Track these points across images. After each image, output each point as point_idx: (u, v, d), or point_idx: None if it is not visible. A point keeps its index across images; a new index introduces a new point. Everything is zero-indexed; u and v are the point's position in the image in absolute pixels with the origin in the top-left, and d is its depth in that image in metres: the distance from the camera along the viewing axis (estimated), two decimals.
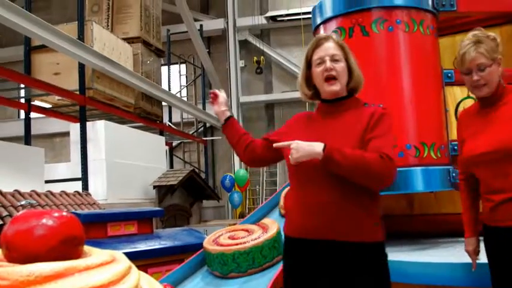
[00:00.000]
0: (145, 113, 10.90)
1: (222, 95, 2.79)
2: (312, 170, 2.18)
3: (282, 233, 3.29)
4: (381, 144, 2.15)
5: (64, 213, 1.25)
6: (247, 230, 3.63)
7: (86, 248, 1.33)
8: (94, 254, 1.29)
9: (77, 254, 1.22)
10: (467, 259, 2.66)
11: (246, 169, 15.23)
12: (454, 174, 3.57)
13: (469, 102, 3.89)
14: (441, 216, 4.21)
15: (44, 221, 1.18)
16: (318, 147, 2.09)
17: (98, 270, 1.18)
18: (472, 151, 2.48)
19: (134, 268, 1.33)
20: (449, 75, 3.77)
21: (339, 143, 2.17)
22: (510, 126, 2.35)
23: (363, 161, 2.07)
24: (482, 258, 2.57)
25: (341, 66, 2.30)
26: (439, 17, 3.79)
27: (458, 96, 3.86)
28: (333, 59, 2.29)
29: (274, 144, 2.31)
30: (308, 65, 2.42)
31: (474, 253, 2.62)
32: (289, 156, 2.15)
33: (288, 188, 4.68)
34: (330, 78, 2.29)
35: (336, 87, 2.29)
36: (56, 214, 1.23)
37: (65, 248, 1.18)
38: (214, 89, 2.83)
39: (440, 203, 4.23)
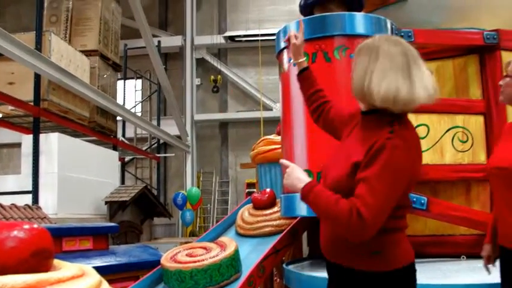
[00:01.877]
0: (99, 127, 10.76)
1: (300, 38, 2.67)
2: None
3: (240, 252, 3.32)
4: (364, 193, 1.86)
5: (35, 226, 1.25)
6: (205, 248, 3.65)
7: (55, 261, 1.33)
8: (64, 268, 1.29)
9: (46, 267, 1.22)
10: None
11: (198, 187, 15.19)
12: None
13: (423, 130, 4.04)
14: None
15: (15, 233, 1.18)
16: (300, 183, 1.98)
17: (69, 283, 1.18)
18: (490, 163, 2.58)
19: (105, 282, 1.34)
20: None
21: (334, 171, 2.05)
22: None
23: (333, 210, 1.87)
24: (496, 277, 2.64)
25: None
26: None
27: (412, 123, 3.99)
28: None
29: (280, 161, 2.22)
30: None
31: (486, 258, 2.67)
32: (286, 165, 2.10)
33: (246, 207, 4.72)
34: None
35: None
36: (27, 226, 1.23)
37: (36, 260, 1.18)
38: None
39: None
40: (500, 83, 2.59)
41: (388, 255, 1.99)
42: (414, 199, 3.77)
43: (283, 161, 2.16)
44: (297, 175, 2.02)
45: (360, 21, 3.66)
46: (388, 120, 1.97)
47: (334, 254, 2.09)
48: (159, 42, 15.10)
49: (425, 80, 1.98)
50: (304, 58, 2.64)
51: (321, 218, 2.05)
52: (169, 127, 14.54)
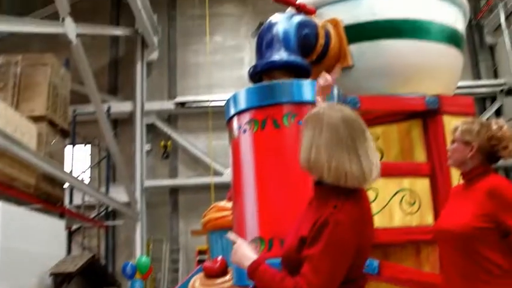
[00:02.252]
0: (45, 195, 10.46)
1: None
2: None
3: None
4: (306, 271, 1.88)
5: None
6: None
7: None
8: None
9: None
10: None
11: (148, 255, 14.82)
12: None
13: (371, 194, 4.10)
14: None
15: None
16: (247, 261, 2.00)
17: None
18: (436, 225, 2.62)
19: None
20: None
21: (290, 236, 2.07)
22: (466, 212, 2.50)
23: (269, 283, 1.92)
24: None
25: None
26: None
27: None
28: None
29: (228, 235, 2.22)
30: None
31: None
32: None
33: (197, 276, 4.62)
34: None
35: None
36: None
37: None
38: None
39: None
40: (448, 148, 2.68)
41: None
42: (366, 263, 3.77)
43: (231, 236, 2.17)
44: (243, 252, 2.04)
45: (307, 88, 3.75)
46: (336, 193, 1.98)
47: None
48: (108, 107, 15.04)
49: (371, 155, 2.02)
50: None
51: None
52: (119, 194, 14.28)
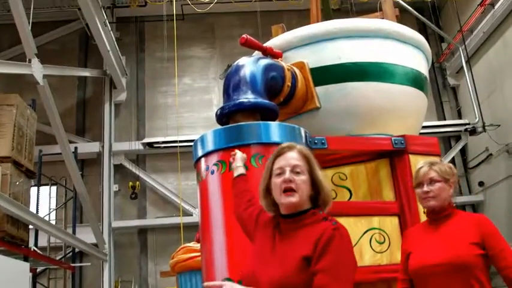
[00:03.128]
0: (9, 237, 10.17)
1: (240, 153, 2.89)
2: None
3: None
4: (325, 283, 1.89)
5: None
6: None
7: None
8: None
9: None
10: None
11: None
12: None
13: None
14: None
15: None
16: None
17: None
18: (421, 262, 2.67)
19: None
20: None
21: (278, 269, 2.00)
22: (461, 242, 2.60)
23: None
24: None
25: (302, 179, 2.11)
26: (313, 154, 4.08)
27: None
28: (294, 171, 2.11)
29: (204, 284, 2.09)
30: (270, 175, 2.20)
31: None
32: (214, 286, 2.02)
33: None
34: (287, 190, 2.09)
35: (293, 198, 2.09)
36: None
37: None
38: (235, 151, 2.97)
39: None
40: (429, 188, 2.74)
41: None
42: None
43: (210, 284, 2.06)
44: None
45: (275, 129, 3.80)
46: (321, 216, 2.11)
47: None
48: (75, 148, 14.84)
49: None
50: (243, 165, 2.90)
51: None
52: (86, 235, 13.99)
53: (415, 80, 5.11)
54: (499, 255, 2.58)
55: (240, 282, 2.09)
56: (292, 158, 2.17)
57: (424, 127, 14.20)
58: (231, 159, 2.99)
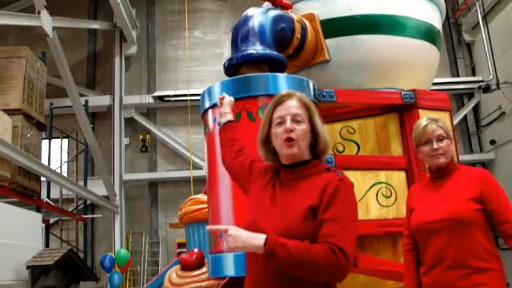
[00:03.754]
0: (21, 188, 10.33)
1: (228, 97, 2.73)
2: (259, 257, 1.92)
3: None
4: (333, 231, 1.87)
5: None
6: None
7: None
8: None
9: None
10: None
11: (127, 248, 14.75)
12: None
13: None
14: None
15: None
16: (258, 240, 1.83)
17: None
18: (422, 219, 2.68)
19: None
20: (329, 160, 3.99)
21: (281, 219, 1.98)
22: (459, 198, 2.60)
23: (309, 257, 1.81)
24: None
25: (302, 128, 2.08)
26: (319, 107, 4.04)
27: None
28: (295, 119, 2.08)
29: (208, 227, 2.01)
30: (269, 124, 2.17)
31: None
32: (224, 242, 1.93)
33: (173, 268, 4.62)
34: (288, 140, 2.06)
35: (294, 149, 2.06)
36: None
37: None
38: (223, 94, 2.81)
39: None
40: (438, 145, 2.71)
41: None
42: None
43: (213, 227, 2.02)
44: (246, 235, 1.88)
45: (282, 81, 3.77)
46: (324, 167, 2.11)
47: None
48: (86, 101, 14.87)
49: None
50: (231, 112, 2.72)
51: (290, 269, 1.87)
52: (97, 187, 14.17)
53: (427, 34, 5.01)
54: (497, 211, 2.56)
55: None
56: (292, 106, 2.12)
57: (437, 83, 14.14)
58: (218, 103, 2.83)
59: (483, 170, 2.78)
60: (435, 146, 2.70)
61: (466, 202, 2.57)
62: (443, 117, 4.11)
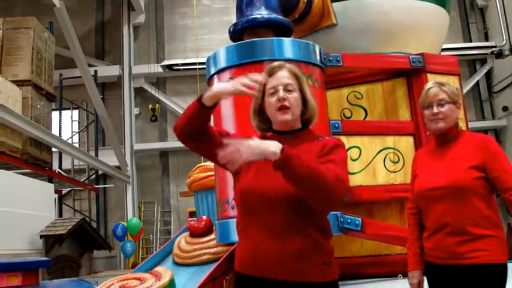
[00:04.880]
0: (33, 159, 10.41)
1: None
2: (257, 202, 2.04)
3: (176, 281, 3.26)
4: (334, 168, 1.98)
5: None
6: (139, 279, 3.55)
7: None
8: None
9: None
10: None
11: (139, 218, 14.91)
12: (341, 219, 3.72)
13: (355, 152, 4.12)
14: None
15: None
16: (275, 147, 1.87)
17: None
18: (423, 185, 2.66)
19: None
20: (336, 125, 3.97)
21: (284, 182, 1.99)
22: (460, 165, 2.56)
23: (320, 173, 1.89)
24: None
25: (294, 96, 2.18)
26: (326, 71, 4.00)
27: (345, 145, 4.07)
28: (286, 89, 2.17)
29: (225, 141, 1.92)
30: (262, 95, 2.24)
31: (419, 286, 2.71)
32: (237, 153, 1.87)
33: (182, 235, 4.66)
34: (282, 108, 2.16)
35: (288, 116, 2.16)
36: None
37: None
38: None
39: None
40: (438, 110, 2.66)
41: (333, 265, 2.10)
42: (349, 220, 3.81)
43: (228, 140, 1.94)
44: (263, 142, 1.89)
45: (288, 46, 3.72)
46: (316, 135, 2.24)
47: (286, 269, 2.03)
48: (95, 71, 14.88)
49: None
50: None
51: (300, 182, 1.90)
52: (108, 157, 14.26)
53: None
54: (500, 178, 2.51)
55: None
56: (283, 77, 2.20)
57: (449, 49, 13.97)
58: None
59: (485, 137, 2.70)
60: (435, 110, 2.65)
61: (467, 170, 2.52)
62: (452, 81, 4.05)
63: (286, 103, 2.15)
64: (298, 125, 2.24)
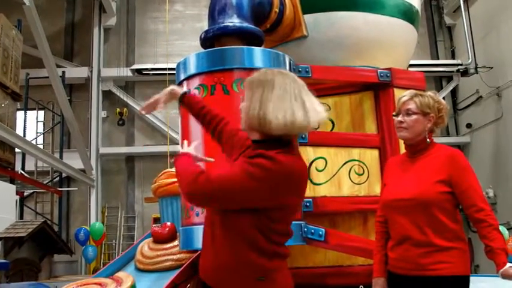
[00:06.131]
0: None
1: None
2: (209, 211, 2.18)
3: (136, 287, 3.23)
4: (226, 167, 2.12)
5: None
6: (100, 284, 3.50)
7: None
8: None
9: None
10: None
11: (103, 222, 14.71)
12: (305, 229, 3.73)
13: (321, 163, 4.15)
14: (293, 270, 4.37)
15: None
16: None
17: None
18: (390, 196, 2.68)
19: None
20: (303, 136, 4.00)
21: None
22: (427, 179, 2.58)
23: (184, 165, 2.09)
24: None
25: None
26: None
27: (310, 156, 4.10)
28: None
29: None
30: None
31: None
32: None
33: (146, 241, 4.61)
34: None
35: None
36: None
37: None
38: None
39: (291, 258, 4.39)
40: (403, 119, 2.70)
41: (270, 282, 2.04)
42: (312, 231, 3.83)
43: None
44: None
45: (258, 55, 3.74)
46: (274, 147, 2.07)
47: (218, 279, 2.08)
48: (63, 72, 14.67)
49: (315, 104, 2.10)
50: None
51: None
52: (73, 160, 14.05)
53: (405, 13, 5.00)
54: (464, 194, 2.55)
55: None
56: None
57: (416, 65, 14.20)
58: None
59: (454, 151, 2.70)
60: (400, 118, 2.71)
61: (433, 184, 2.55)
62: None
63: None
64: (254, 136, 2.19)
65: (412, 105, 2.69)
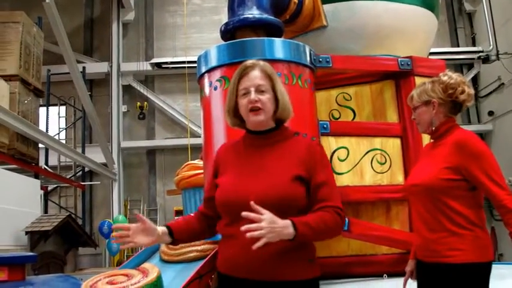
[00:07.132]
0: (19, 155, 10.35)
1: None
2: (242, 208, 1.96)
3: (163, 277, 3.27)
4: (330, 193, 2.13)
5: None
6: (126, 275, 3.55)
7: None
8: None
9: None
10: None
11: (125, 215, 14.85)
12: None
13: (343, 152, 4.16)
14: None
15: None
16: (287, 228, 1.93)
17: None
18: (408, 181, 2.72)
19: None
20: (324, 126, 4.00)
21: (273, 179, 2.08)
22: (435, 165, 2.57)
23: (326, 226, 2.04)
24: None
25: (266, 97, 2.19)
26: (316, 72, 4.03)
27: (332, 146, 4.11)
28: (259, 90, 2.18)
29: (244, 213, 1.92)
30: (236, 95, 2.26)
31: (408, 273, 2.80)
32: (255, 229, 1.89)
33: None
34: (254, 110, 2.18)
35: (261, 117, 2.18)
36: None
37: None
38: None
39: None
40: (413, 117, 2.75)
41: (316, 263, 2.17)
42: None
43: (250, 215, 1.93)
44: (279, 225, 1.93)
45: (278, 46, 3.75)
46: (292, 131, 2.29)
47: (275, 271, 2.06)
48: (83, 68, 14.80)
49: None
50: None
51: (308, 240, 2.12)
52: (95, 155, 14.21)
53: (425, 1, 4.97)
54: (475, 181, 2.49)
55: None
56: (256, 77, 2.21)
57: (436, 53, 14.07)
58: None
59: (462, 137, 2.58)
60: (412, 116, 2.79)
61: (439, 171, 2.51)
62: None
63: (258, 104, 2.17)
64: (272, 124, 2.25)
65: (414, 101, 2.73)
